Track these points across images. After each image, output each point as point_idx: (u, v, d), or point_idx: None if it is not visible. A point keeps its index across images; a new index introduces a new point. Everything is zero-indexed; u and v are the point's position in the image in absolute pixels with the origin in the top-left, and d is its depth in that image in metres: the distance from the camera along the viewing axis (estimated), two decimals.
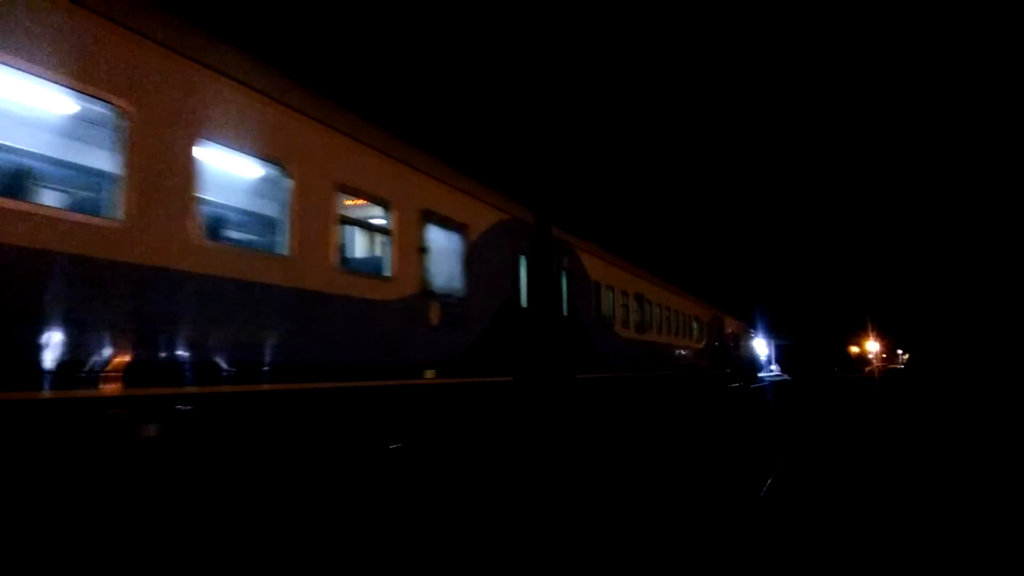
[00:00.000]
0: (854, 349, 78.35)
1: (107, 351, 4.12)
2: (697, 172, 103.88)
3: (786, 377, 64.54)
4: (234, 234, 6.66)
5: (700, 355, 23.52)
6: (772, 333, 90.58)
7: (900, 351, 78.67)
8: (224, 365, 4.93)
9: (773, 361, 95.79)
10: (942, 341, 37.55)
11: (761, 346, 36.62)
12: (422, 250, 7.53)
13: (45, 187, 5.04)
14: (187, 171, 4.83)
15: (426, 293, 7.54)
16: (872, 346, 71.18)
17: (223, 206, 6.33)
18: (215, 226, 5.89)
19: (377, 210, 7.13)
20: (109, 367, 4.12)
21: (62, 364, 3.84)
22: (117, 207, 4.32)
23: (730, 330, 29.28)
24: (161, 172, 4.60)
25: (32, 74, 3.92)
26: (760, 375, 47.31)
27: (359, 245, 7.87)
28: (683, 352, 21.13)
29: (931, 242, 49.58)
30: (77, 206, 4.90)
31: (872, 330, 67.66)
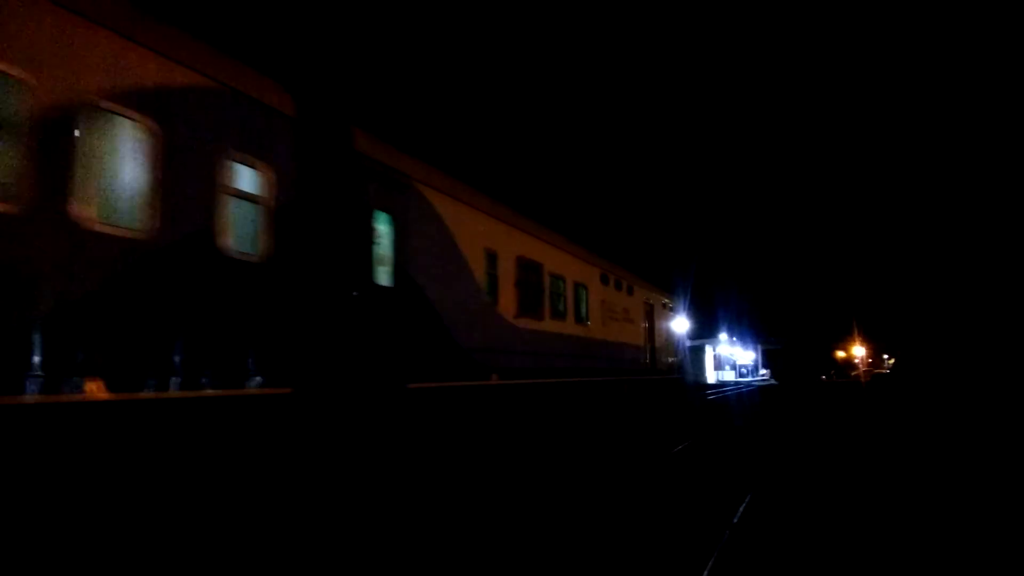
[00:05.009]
0: (840, 354, 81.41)
1: None
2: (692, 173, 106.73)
3: (773, 382, 66.22)
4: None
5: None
6: (760, 339, 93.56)
7: (886, 356, 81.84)
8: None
9: (761, 366, 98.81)
10: (926, 346, 39.02)
11: (682, 327, 18.77)
12: None
13: None
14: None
15: None
16: (858, 351, 74.07)
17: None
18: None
19: None
20: None
21: None
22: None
23: (549, 270, 10.37)
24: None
25: None
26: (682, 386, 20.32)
27: None
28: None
29: (916, 248, 52.17)
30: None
31: (858, 335, 70.52)
